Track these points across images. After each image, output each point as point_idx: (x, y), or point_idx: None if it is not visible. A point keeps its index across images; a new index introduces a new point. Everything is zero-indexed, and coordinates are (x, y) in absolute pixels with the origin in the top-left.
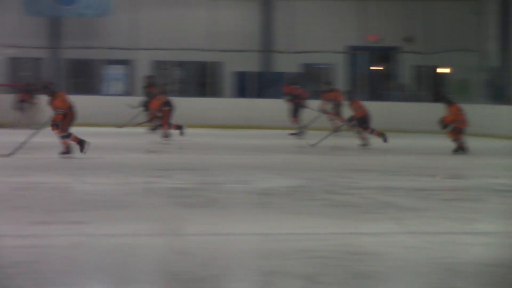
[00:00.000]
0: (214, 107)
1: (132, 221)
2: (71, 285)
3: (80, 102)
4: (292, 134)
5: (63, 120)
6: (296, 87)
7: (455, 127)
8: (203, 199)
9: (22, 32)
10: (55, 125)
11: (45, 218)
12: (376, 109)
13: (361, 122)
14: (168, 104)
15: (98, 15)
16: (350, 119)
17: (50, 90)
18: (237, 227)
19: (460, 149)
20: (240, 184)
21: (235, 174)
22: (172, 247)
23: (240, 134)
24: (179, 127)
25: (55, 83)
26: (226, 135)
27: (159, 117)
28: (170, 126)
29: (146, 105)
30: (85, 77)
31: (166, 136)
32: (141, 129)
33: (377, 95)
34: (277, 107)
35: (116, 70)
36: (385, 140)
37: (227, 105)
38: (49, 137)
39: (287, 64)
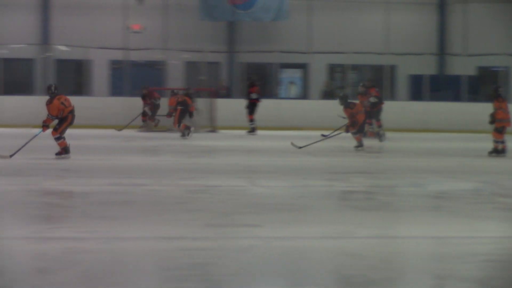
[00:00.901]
0: (388, 110)
1: (305, 224)
2: (241, 287)
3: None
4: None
5: (64, 123)
6: None
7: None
8: (375, 202)
9: (199, 37)
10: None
11: (219, 221)
12: None
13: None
14: (182, 103)
15: (274, 19)
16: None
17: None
18: (410, 230)
19: (500, 151)
20: (413, 188)
21: (408, 178)
22: (344, 250)
23: (414, 137)
24: (186, 127)
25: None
26: (400, 138)
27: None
28: (179, 124)
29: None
30: (261, 81)
31: (184, 135)
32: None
33: None
34: (453, 110)
35: (292, 74)
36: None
37: (401, 108)
38: (215, 141)
39: (462, 67)
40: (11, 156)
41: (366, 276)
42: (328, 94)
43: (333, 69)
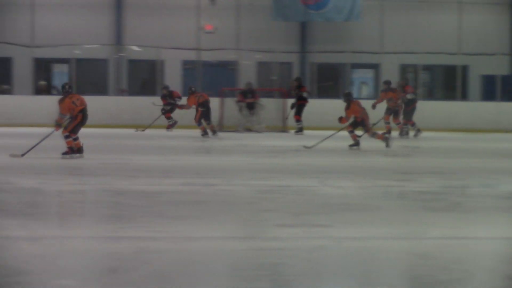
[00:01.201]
0: (459, 111)
1: (375, 224)
2: (312, 287)
3: (328, 105)
4: None
5: (73, 122)
6: None
7: None
8: (446, 203)
9: (271, 37)
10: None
11: (289, 221)
12: None
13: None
14: (203, 105)
15: (346, 19)
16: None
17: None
18: (480, 231)
19: None
20: (484, 188)
21: (479, 178)
22: (414, 251)
23: (486, 138)
24: (205, 131)
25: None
26: (472, 139)
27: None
28: (199, 124)
29: (293, 107)
30: (333, 81)
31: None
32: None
33: None
34: None
35: (364, 74)
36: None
37: (473, 109)
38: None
39: None
40: (22, 155)
41: (436, 277)
42: None
43: (405, 69)
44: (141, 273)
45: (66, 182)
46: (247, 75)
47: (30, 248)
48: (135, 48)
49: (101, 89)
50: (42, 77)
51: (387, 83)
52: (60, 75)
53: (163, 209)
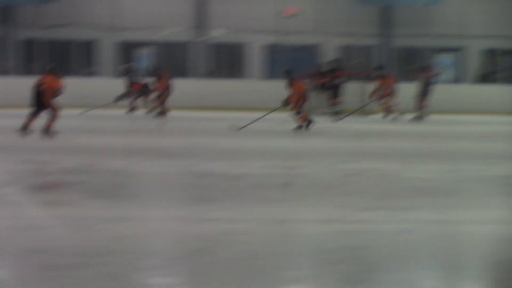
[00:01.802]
0: None
1: (459, 208)
2: (396, 270)
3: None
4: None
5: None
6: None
7: None
8: None
9: (352, 21)
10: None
11: (373, 204)
12: None
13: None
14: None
15: (427, 3)
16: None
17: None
18: None
19: None
20: None
21: None
22: (499, 234)
23: None
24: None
25: None
26: None
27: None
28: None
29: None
30: (414, 64)
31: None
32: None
33: None
34: None
35: (446, 58)
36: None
37: None
38: (367, 124)
39: None
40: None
41: None
42: (483, 78)
43: (488, 54)
44: (226, 254)
45: (152, 164)
46: (328, 59)
47: (118, 229)
48: (217, 32)
49: (182, 72)
50: (125, 60)
51: (380, 68)
52: (143, 58)
53: (246, 191)
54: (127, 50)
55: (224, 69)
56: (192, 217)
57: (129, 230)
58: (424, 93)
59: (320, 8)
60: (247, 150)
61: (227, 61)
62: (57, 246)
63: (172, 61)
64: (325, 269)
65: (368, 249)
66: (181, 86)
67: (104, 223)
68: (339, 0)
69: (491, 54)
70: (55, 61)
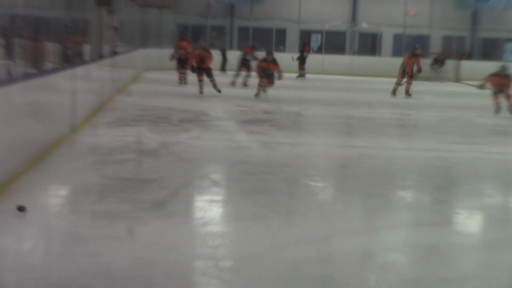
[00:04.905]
0: None
1: None
2: (470, 184)
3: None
4: None
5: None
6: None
7: None
8: None
9: (452, 19)
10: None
11: (458, 140)
12: None
13: None
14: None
15: (505, 8)
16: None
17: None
18: None
19: None
20: None
21: None
22: None
23: None
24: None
25: None
26: None
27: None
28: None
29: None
30: (494, 52)
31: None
32: None
33: None
34: None
35: None
36: None
37: None
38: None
39: None
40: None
41: None
42: None
43: None
44: (362, 169)
45: (315, 109)
46: (435, 46)
47: (293, 150)
48: (364, 24)
49: (342, 51)
50: (307, 43)
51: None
52: (315, 41)
53: (375, 129)
54: (306, 36)
55: (367, 50)
56: (341, 144)
57: (300, 151)
58: None
59: (431, 10)
60: (378, 102)
61: (369, 44)
62: (255, 159)
63: (334, 44)
64: (423, 181)
65: (453, 169)
66: (336, 60)
67: (284, 146)
68: (443, 5)
69: None
70: (259, 42)
